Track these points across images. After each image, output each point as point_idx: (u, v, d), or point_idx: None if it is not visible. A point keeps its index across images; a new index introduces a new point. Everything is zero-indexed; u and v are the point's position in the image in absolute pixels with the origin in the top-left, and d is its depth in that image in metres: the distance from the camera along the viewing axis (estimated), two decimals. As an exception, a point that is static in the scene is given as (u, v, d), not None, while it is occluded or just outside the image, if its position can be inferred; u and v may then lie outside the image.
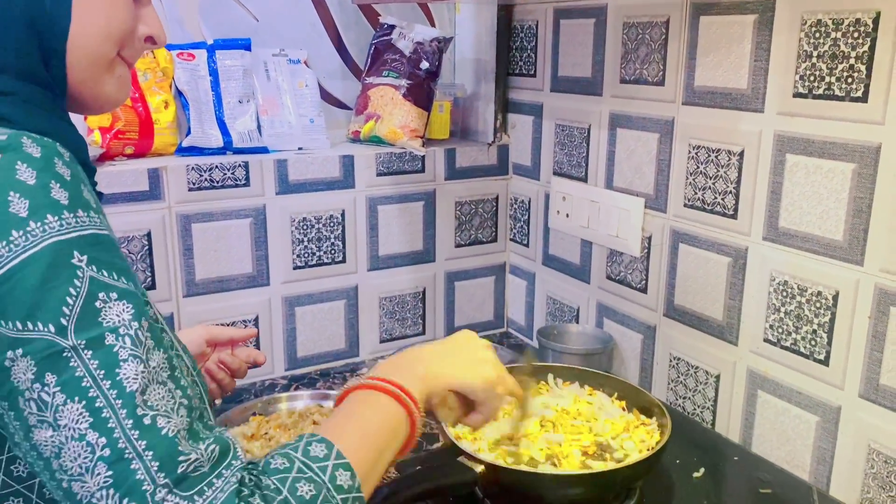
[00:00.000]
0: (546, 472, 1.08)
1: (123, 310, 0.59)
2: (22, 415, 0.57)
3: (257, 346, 1.55)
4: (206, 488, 0.58)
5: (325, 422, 0.74)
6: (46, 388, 0.56)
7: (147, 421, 0.57)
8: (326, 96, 1.73)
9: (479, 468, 1.02)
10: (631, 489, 1.12)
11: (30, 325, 0.56)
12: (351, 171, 1.58)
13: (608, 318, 1.55)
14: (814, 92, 1.10)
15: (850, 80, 1.05)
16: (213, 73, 1.55)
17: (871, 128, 1.04)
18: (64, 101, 0.69)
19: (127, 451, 0.56)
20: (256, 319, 1.54)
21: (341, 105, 1.76)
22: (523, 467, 1.09)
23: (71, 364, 0.56)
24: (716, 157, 1.27)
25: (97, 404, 0.56)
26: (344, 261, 1.61)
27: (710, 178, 1.28)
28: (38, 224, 0.57)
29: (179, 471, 0.57)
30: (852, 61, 1.05)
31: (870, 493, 1.10)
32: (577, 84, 1.54)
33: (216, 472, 0.59)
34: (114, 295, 0.59)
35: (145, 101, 1.48)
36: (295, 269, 1.56)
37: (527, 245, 1.76)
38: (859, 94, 1.04)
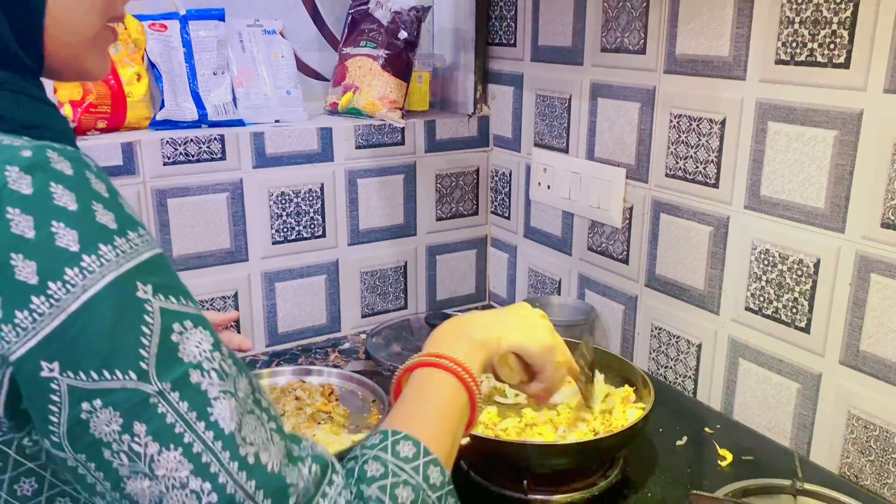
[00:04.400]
0: (530, 442, 1.08)
1: (202, 339, 0.55)
2: (110, 467, 0.53)
3: (237, 324, 1.54)
4: None
5: (399, 408, 0.73)
6: (137, 439, 0.52)
7: (251, 460, 0.54)
8: (303, 67, 1.70)
9: (464, 440, 1.01)
10: (614, 458, 1.13)
11: (107, 375, 0.52)
12: (329, 143, 1.55)
13: (590, 290, 1.55)
14: (796, 58, 1.09)
15: (832, 46, 1.05)
16: (187, 44, 1.52)
17: (852, 94, 1.03)
18: (41, 81, 0.63)
19: (238, 495, 0.53)
20: (236, 296, 1.53)
21: (318, 76, 1.74)
22: (507, 438, 1.09)
23: (159, 410, 0.52)
24: (697, 125, 1.26)
25: (195, 450, 0.53)
26: (324, 235, 1.59)
27: (692, 148, 1.27)
28: (93, 258, 0.52)
29: (291, 502, 0.55)
30: (834, 27, 1.04)
31: (849, 457, 1.11)
32: (558, 53, 1.53)
33: (321, 492, 0.58)
34: (188, 324, 0.55)
35: (117, 73, 1.45)
36: (274, 244, 1.54)
37: (508, 217, 1.75)
38: (841, 60, 1.04)
